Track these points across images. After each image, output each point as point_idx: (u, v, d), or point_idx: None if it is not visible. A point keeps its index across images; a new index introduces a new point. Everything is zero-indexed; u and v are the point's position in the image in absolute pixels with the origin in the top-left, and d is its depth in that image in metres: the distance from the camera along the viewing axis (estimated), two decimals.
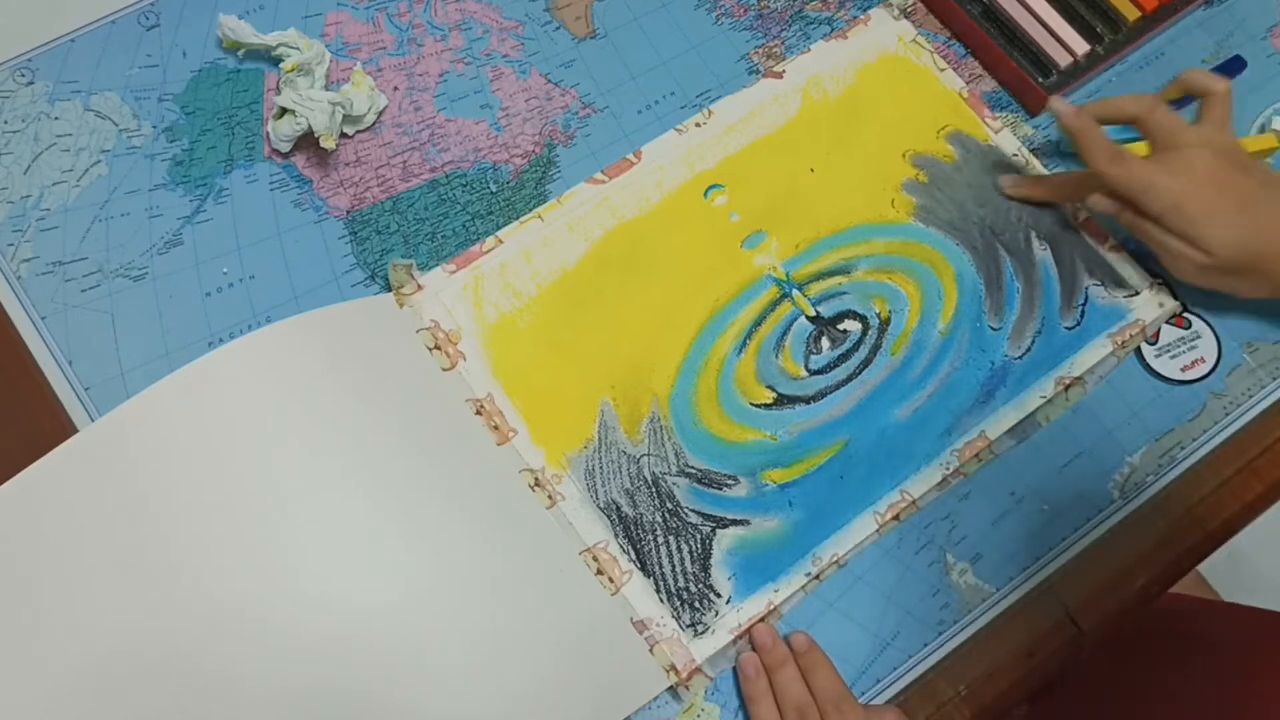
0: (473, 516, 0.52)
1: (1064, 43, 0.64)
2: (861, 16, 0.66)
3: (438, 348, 0.56)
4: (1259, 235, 0.53)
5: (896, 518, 0.55)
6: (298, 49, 0.60)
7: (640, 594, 0.52)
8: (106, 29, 0.62)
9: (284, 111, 0.59)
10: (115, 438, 0.49)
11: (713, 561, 0.53)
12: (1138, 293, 0.60)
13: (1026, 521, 0.55)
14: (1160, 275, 0.60)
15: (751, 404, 0.56)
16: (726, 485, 0.54)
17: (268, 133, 0.60)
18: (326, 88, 0.60)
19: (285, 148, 0.59)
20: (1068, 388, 0.57)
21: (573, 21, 0.65)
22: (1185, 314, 0.60)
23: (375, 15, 0.64)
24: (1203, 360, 0.59)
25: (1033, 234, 0.61)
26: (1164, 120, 0.55)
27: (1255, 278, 0.54)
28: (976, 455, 0.56)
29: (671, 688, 0.51)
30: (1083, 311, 0.59)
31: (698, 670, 0.51)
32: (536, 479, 0.54)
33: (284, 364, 0.51)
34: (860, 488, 0.55)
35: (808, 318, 0.59)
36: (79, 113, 0.60)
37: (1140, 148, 0.60)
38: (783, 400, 0.57)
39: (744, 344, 0.58)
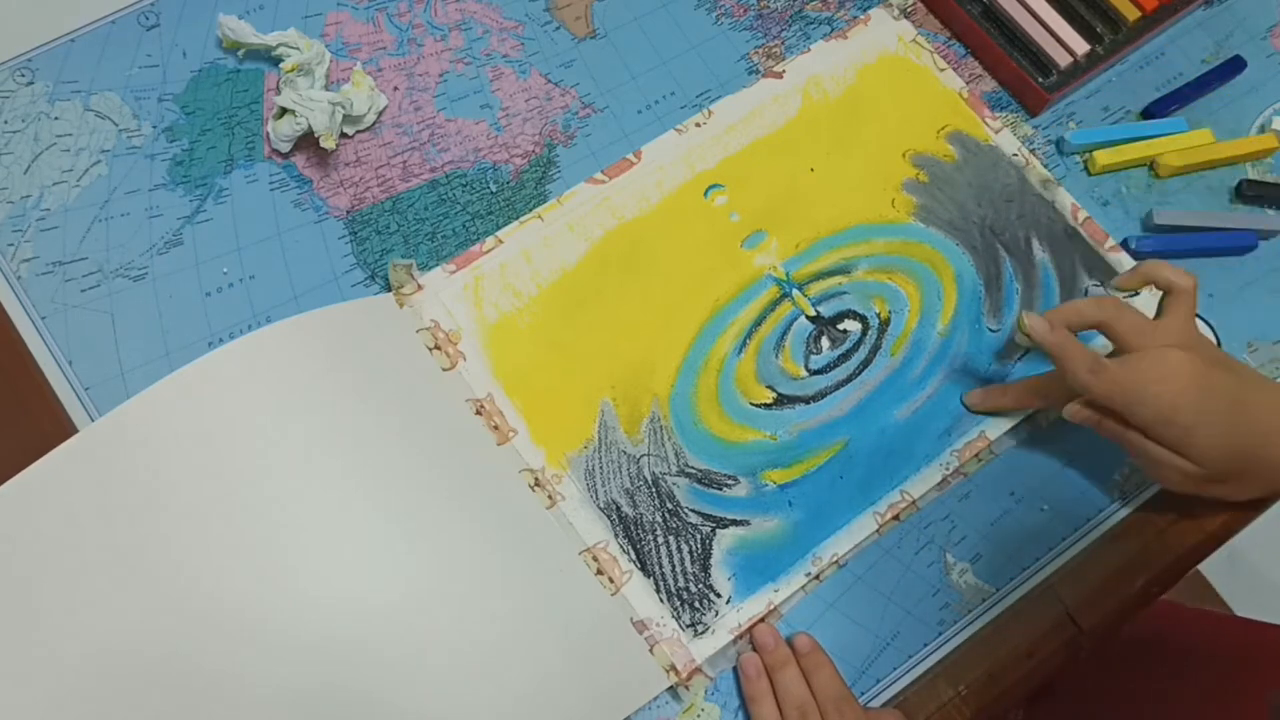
0: (473, 516, 0.52)
1: (1064, 43, 0.64)
2: (861, 16, 0.66)
3: (438, 348, 0.56)
4: (1249, 438, 0.50)
5: (896, 518, 0.55)
6: (298, 49, 0.60)
7: (640, 594, 0.52)
8: (106, 29, 0.62)
9: (284, 111, 0.59)
10: (115, 438, 0.49)
11: (713, 561, 0.53)
12: (1137, 293, 0.60)
13: (1026, 521, 0.55)
14: None
15: (751, 404, 0.56)
16: (726, 485, 0.54)
17: (268, 133, 0.60)
18: (326, 88, 0.60)
19: (285, 148, 0.59)
20: None
21: (573, 21, 0.65)
22: None
23: (375, 15, 0.64)
24: None
25: (1033, 234, 0.61)
26: (1131, 323, 0.51)
27: (1246, 480, 0.51)
28: (976, 455, 0.56)
29: (671, 688, 0.51)
30: None
31: (698, 670, 0.51)
32: (536, 479, 0.54)
33: (284, 364, 0.51)
34: (860, 488, 0.55)
35: (808, 318, 0.59)
36: (79, 113, 0.60)
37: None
38: (783, 400, 0.57)
39: (744, 344, 0.58)
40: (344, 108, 0.58)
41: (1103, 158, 0.62)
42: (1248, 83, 0.66)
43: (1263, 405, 0.51)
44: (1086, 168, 0.63)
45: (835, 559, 0.53)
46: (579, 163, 0.61)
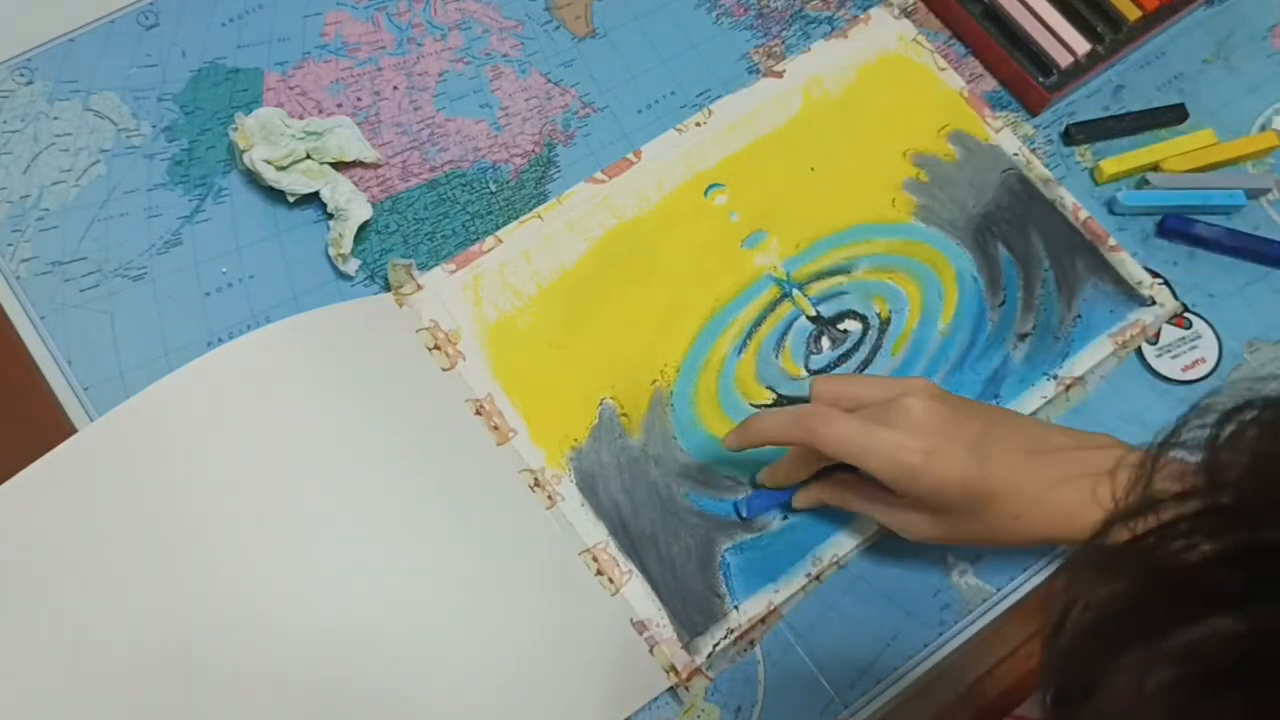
0: (472, 517, 0.52)
1: (1065, 42, 0.64)
2: (862, 16, 0.66)
3: (437, 348, 0.56)
4: (987, 481, 0.45)
5: None
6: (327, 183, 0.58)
7: (640, 594, 0.52)
8: (106, 28, 0.62)
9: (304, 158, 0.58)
10: (114, 438, 0.49)
11: (713, 562, 0.53)
12: (1139, 292, 0.60)
13: None
14: (1162, 275, 0.60)
15: (751, 404, 0.56)
16: (726, 486, 0.54)
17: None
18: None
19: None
20: (1068, 388, 0.57)
21: (573, 21, 0.65)
22: (1186, 314, 0.60)
23: (375, 15, 0.64)
24: (1203, 360, 0.59)
25: (1034, 233, 0.61)
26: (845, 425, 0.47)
27: (973, 519, 0.47)
28: None
29: (672, 688, 0.51)
30: (1083, 311, 0.59)
31: (698, 671, 0.51)
32: (536, 479, 0.54)
33: (283, 364, 0.51)
34: None
35: (808, 318, 0.58)
36: (78, 112, 0.60)
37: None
38: (783, 401, 0.56)
39: (744, 344, 0.57)
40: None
41: (1109, 166, 0.62)
42: (1248, 82, 0.66)
43: (1003, 455, 0.46)
44: (1093, 176, 0.63)
45: (835, 559, 0.53)
46: (579, 162, 0.61)
